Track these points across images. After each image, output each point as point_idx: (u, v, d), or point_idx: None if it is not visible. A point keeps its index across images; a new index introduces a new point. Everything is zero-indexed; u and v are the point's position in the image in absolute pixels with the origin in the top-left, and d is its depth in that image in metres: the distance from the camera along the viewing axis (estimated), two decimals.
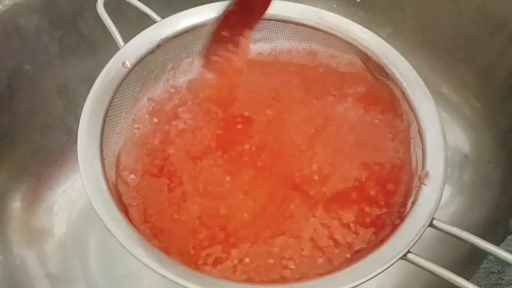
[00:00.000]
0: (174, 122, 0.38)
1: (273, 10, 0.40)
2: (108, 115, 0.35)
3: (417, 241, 0.31)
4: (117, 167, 0.36)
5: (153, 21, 0.39)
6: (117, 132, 0.37)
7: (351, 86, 0.40)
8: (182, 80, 0.41)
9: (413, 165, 0.36)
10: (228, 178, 0.36)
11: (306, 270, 0.32)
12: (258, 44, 0.42)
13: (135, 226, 0.31)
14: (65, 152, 0.50)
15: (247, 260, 0.32)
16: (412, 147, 0.37)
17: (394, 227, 0.33)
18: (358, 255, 0.33)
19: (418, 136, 0.36)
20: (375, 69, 0.40)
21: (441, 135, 0.36)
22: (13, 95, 0.46)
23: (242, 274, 0.32)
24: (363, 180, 0.36)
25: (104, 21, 0.38)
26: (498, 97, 0.50)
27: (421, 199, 0.33)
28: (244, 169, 0.36)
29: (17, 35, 0.44)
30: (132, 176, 0.35)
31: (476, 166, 0.51)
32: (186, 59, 0.41)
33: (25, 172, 0.48)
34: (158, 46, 0.38)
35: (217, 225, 0.34)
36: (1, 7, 0.42)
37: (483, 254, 0.40)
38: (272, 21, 0.41)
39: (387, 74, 0.39)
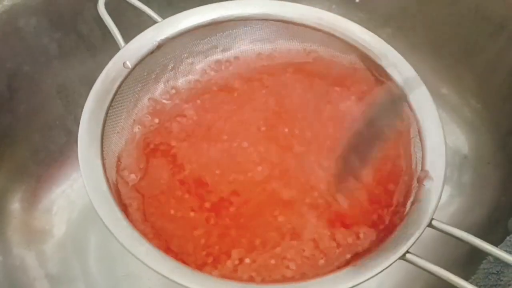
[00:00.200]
0: (175, 122, 0.38)
1: (273, 10, 0.40)
2: (108, 115, 0.35)
3: (416, 241, 0.31)
4: (117, 167, 0.36)
5: (154, 21, 0.39)
6: (118, 132, 0.37)
7: (352, 87, 0.40)
8: (183, 80, 0.41)
9: (413, 165, 0.36)
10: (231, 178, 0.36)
11: (306, 271, 0.32)
12: (258, 44, 0.42)
13: (135, 226, 0.31)
14: (64, 152, 0.50)
15: (247, 260, 0.32)
16: (412, 147, 0.37)
17: (393, 227, 0.33)
18: (357, 255, 0.33)
19: (418, 137, 0.36)
20: (375, 69, 0.40)
21: (441, 136, 0.36)
22: (13, 95, 0.46)
23: (243, 274, 0.32)
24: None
25: (105, 21, 0.38)
26: (498, 98, 0.50)
27: (420, 200, 0.33)
28: (247, 168, 0.36)
29: (16, 36, 0.44)
30: (133, 175, 0.35)
31: (476, 166, 0.51)
32: (187, 60, 0.41)
33: (24, 172, 0.48)
34: (159, 46, 0.38)
35: (218, 225, 0.34)
36: (0, 7, 0.42)
37: (482, 254, 0.40)
38: (272, 22, 0.41)
39: (387, 74, 0.39)
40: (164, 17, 0.39)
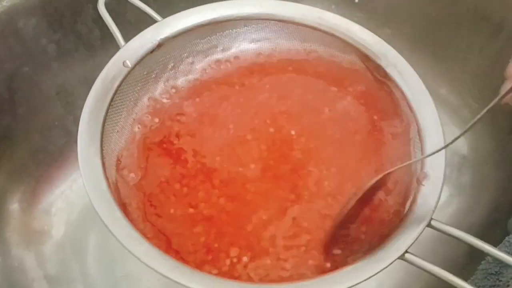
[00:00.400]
0: (175, 121, 0.38)
1: (273, 9, 0.40)
2: (108, 114, 0.35)
3: (415, 241, 0.31)
4: (117, 166, 0.36)
5: (154, 21, 0.39)
6: (118, 132, 0.37)
7: (351, 86, 0.40)
8: (183, 79, 0.41)
9: (412, 166, 0.36)
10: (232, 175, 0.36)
11: (304, 270, 0.32)
12: (258, 44, 0.43)
13: (135, 225, 0.31)
14: (64, 153, 0.50)
15: (245, 259, 0.32)
16: (411, 147, 0.37)
17: (393, 227, 0.33)
18: (357, 255, 0.33)
19: (418, 137, 0.37)
20: (375, 69, 0.40)
21: (440, 136, 0.36)
22: (12, 96, 0.46)
23: (242, 273, 0.32)
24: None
25: (105, 20, 0.38)
26: None
27: (419, 200, 0.33)
28: (248, 166, 0.36)
29: (15, 37, 0.44)
30: (132, 175, 0.35)
31: (475, 167, 0.51)
32: (187, 59, 0.41)
33: (24, 173, 0.48)
34: (159, 45, 0.38)
35: (218, 225, 0.34)
36: None
37: (481, 255, 0.40)
38: (272, 21, 0.41)
39: (386, 74, 0.39)
40: (164, 16, 0.40)
